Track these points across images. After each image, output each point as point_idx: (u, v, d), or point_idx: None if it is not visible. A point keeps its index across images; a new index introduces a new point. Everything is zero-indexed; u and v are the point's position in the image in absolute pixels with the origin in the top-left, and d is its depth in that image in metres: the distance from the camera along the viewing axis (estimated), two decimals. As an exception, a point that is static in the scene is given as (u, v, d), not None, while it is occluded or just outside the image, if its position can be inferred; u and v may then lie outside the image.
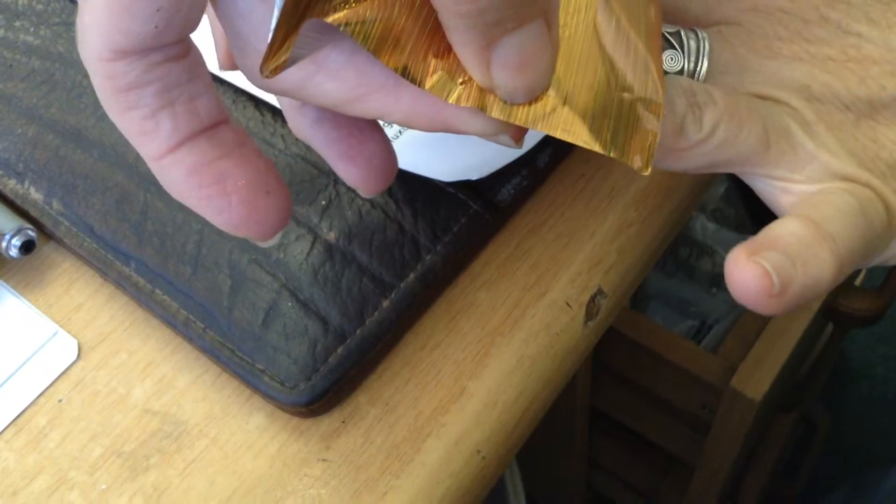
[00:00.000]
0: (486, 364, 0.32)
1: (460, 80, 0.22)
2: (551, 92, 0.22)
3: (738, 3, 0.27)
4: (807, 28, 0.27)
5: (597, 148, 0.22)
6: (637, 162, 0.22)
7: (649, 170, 0.22)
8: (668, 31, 0.26)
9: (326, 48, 0.22)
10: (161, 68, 0.22)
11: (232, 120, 0.24)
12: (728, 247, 0.85)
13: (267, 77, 0.21)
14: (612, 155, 0.22)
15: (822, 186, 0.25)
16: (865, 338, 1.25)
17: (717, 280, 0.81)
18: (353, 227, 0.34)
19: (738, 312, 0.79)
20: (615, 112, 0.23)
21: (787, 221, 0.24)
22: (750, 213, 0.86)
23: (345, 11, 0.20)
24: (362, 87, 0.22)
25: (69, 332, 0.33)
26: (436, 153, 0.35)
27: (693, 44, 0.27)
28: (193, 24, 0.22)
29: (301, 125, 0.27)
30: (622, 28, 0.23)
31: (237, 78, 0.37)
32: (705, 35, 0.27)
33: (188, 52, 0.22)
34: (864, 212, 0.25)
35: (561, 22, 0.23)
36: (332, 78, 0.22)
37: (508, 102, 0.22)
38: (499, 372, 0.32)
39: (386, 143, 0.27)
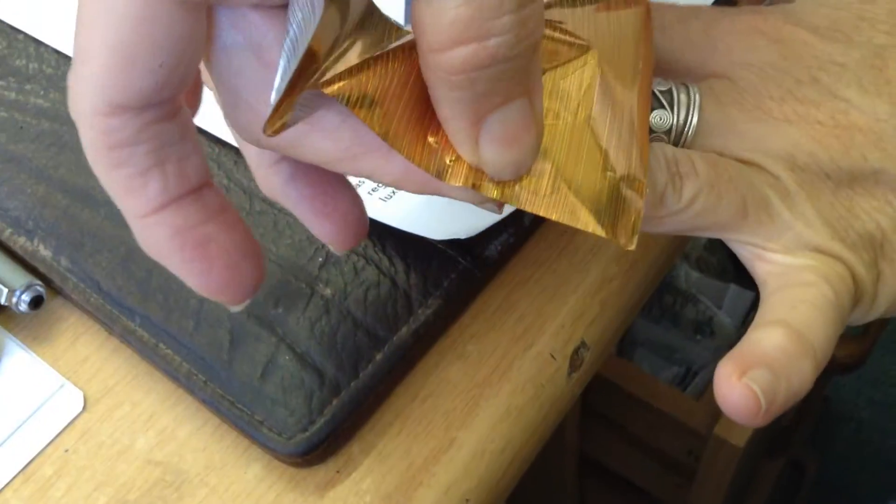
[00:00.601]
0: (475, 414, 0.33)
1: (449, 160, 0.23)
2: (538, 169, 0.23)
3: (731, 57, 0.27)
4: (798, 88, 0.27)
5: (583, 227, 0.23)
6: (622, 238, 0.24)
7: (633, 245, 0.24)
8: (660, 89, 0.27)
9: (323, 108, 0.23)
10: (155, 126, 0.22)
11: (214, 183, 0.24)
12: (711, 295, 0.87)
13: (269, 136, 0.22)
14: (597, 233, 0.23)
15: (795, 259, 0.26)
16: (852, 382, 1.26)
17: (700, 327, 0.83)
18: (348, 283, 0.36)
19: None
20: (603, 194, 0.24)
21: (773, 333, 0.25)
22: (733, 260, 0.88)
23: (343, 83, 0.21)
24: (356, 147, 0.23)
25: (75, 384, 0.34)
26: (428, 213, 0.37)
27: (684, 97, 0.27)
28: (190, 80, 0.22)
29: (273, 183, 0.27)
30: (615, 113, 0.24)
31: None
32: (696, 89, 0.27)
33: (179, 110, 0.22)
34: (837, 302, 0.26)
35: (557, 109, 0.24)
36: (326, 137, 0.23)
37: (497, 181, 0.23)
38: (487, 422, 0.33)
39: (358, 200, 0.28)
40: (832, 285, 0.26)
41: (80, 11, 0.21)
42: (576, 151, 0.24)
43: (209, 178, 0.24)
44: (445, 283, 0.36)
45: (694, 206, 0.26)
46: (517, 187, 0.23)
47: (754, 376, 0.23)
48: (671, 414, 0.70)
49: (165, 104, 0.22)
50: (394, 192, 0.37)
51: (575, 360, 0.36)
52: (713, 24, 0.28)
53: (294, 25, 0.21)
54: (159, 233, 0.23)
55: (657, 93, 0.27)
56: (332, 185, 0.27)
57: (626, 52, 0.26)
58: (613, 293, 0.38)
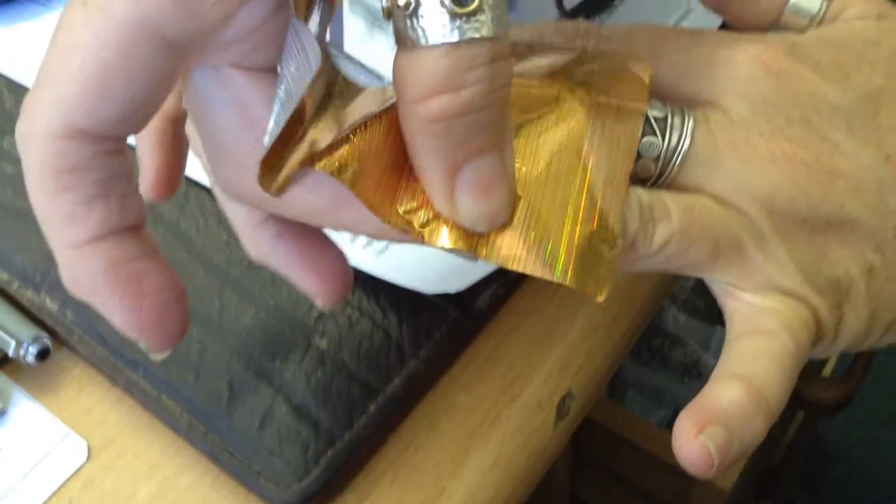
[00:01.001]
0: (464, 464, 0.35)
1: (424, 219, 0.24)
2: (511, 223, 0.24)
3: (727, 87, 0.27)
4: (788, 126, 0.27)
5: (554, 279, 0.24)
6: (591, 290, 0.25)
7: (603, 297, 0.25)
8: (656, 114, 0.27)
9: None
10: (106, 158, 0.22)
11: (147, 230, 0.24)
12: (698, 338, 0.89)
13: (273, 195, 0.23)
14: (568, 284, 0.24)
15: (763, 300, 0.27)
16: (841, 421, 1.27)
17: (688, 369, 0.84)
18: (343, 335, 0.37)
19: (712, 400, 0.81)
20: (575, 247, 0.25)
21: (732, 388, 0.26)
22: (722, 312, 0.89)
23: (326, 158, 0.23)
24: (339, 198, 0.24)
25: (80, 434, 0.36)
26: (419, 267, 0.38)
27: (678, 122, 0.27)
28: (149, 120, 0.23)
29: (259, 242, 0.28)
30: (592, 165, 0.26)
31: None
32: (691, 116, 0.27)
33: (125, 150, 0.23)
34: (797, 352, 0.26)
35: (530, 163, 0.25)
36: (310, 190, 0.24)
37: (472, 232, 0.24)
38: (477, 472, 0.35)
39: (342, 255, 0.29)
40: (793, 334, 0.27)
41: (57, 37, 0.22)
42: (548, 205, 0.25)
43: (145, 220, 0.24)
44: (437, 335, 0.37)
45: (664, 252, 0.26)
46: (489, 242, 0.24)
47: (711, 434, 0.25)
48: (660, 456, 0.71)
49: (119, 140, 0.22)
50: (387, 247, 0.39)
51: (562, 409, 0.38)
52: (714, 51, 0.28)
53: (287, 75, 0.22)
54: (93, 264, 0.23)
55: (651, 118, 0.27)
56: (317, 240, 0.28)
57: (612, 97, 0.27)
58: (598, 343, 0.39)
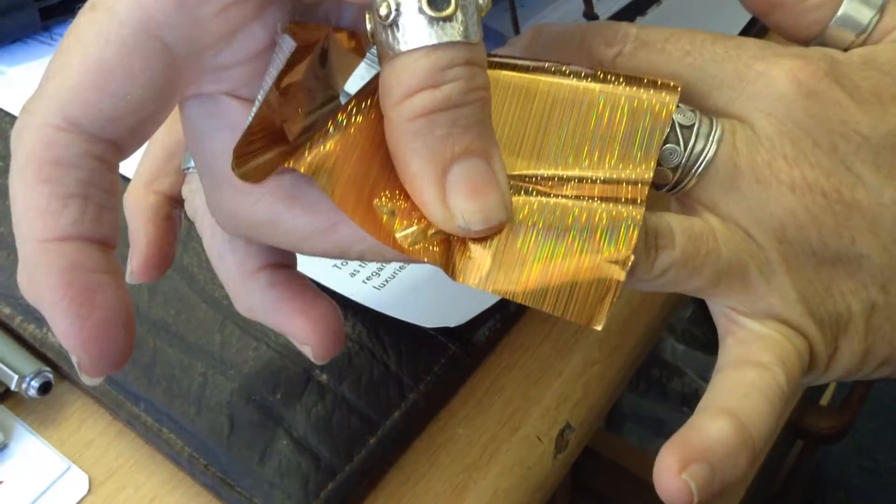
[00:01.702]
0: (464, 497, 0.35)
1: (409, 230, 0.24)
2: (504, 248, 0.24)
3: (758, 103, 0.27)
4: (814, 152, 0.26)
5: (549, 311, 0.24)
6: (588, 319, 0.24)
7: (601, 326, 0.24)
8: (683, 122, 0.26)
9: (304, 184, 0.24)
10: (94, 161, 0.22)
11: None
12: (696, 368, 0.89)
13: (240, 178, 0.23)
14: (565, 318, 0.24)
15: (761, 327, 0.27)
16: (840, 449, 1.27)
17: (687, 400, 0.85)
18: (343, 368, 0.37)
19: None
20: (581, 275, 0.24)
21: (719, 423, 0.25)
22: (717, 334, 0.90)
23: (308, 158, 0.23)
24: (334, 216, 0.24)
25: (81, 467, 0.36)
26: (419, 302, 0.39)
27: (705, 129, 0.26)
28: (140, 138, 0.23)
29: (251, 294, 0.28)
30: (604, 193, 0.25)
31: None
32: (719, 127, 0.26)
33: (116, 170, 0.23)
34: (787, 388, 0.26)
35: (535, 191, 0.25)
36: (307, 211, 0.24)
37: (467, 236, 0.24)
38: (476, 504, 0.35)
39: (335, 309, 0.28)
40: (786, 369, 0.27)
41: (63, 41, 0.23)
42: (553, 230, 0.24)
43: (118, 242, 0.24)
44: (436, 368, 0.37)
45: (664, 278, 0.26)
46: (476, 269, 0.24)
47: (693, 472, 0.24)
48: (659, 487, 0.70)
49: (110, 146, 0.23)
50: (387, 282, 0.39)
51: (560, 442, 0.38)
52: (750, 65, 0.27)
53: (267, 79, 0.23)
54: (53, 262, 0.22)
55: (677, 126, 0.26)
56: (309, 292, 0.28)
57: (635, 124, 0.26)
58: (596, 376, 0.40)
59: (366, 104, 0.24)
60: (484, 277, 0.24)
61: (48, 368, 0.37)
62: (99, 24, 0.22)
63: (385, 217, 0.24)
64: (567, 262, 0.24)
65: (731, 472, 0.25)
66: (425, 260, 0.24)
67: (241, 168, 0.23)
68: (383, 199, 0.24)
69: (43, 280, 0.22)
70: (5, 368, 0.37)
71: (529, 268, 0.24)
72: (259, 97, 0.23)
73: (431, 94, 0.22)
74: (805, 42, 0.29)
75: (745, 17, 0.52)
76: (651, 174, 0.26)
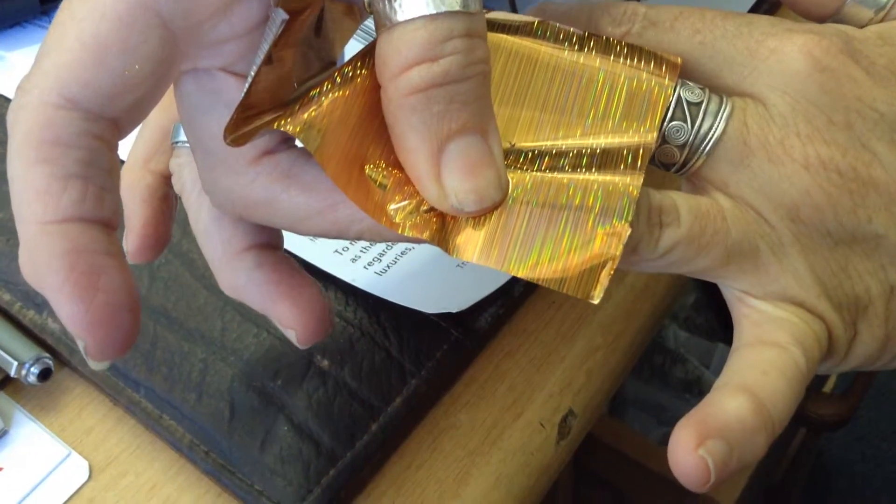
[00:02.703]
0: (466, 483, 0.35)
1: (401, 206, 0.23)
2: (499, 219, 0.24)
3: (771, 80, 0.26)
4: (829, 129, 0.25)
5: (544, 283, 0.23)
6: (584, 291, 0.23)
7: (598, 299, 0.23)
8: (690, 99, 0.26)
9: (301, 163, 0.24)
10: (94, 141, 0.22)
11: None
12: (699, 355, 0.89)
13: (230, 145, 0.22)
14: (564, 290, 0.23)
15: (776, 310, 0.26)
16: (843, 436, 1.27)
17: (689, 387, 0.84)
18: (344, 354, 0.37)
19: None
20: (573, 253, 0.24)
21: (737, 400, 0.25)
22: (720, 320, 0.90)
23: (294, 119, 0.22)
24: (333, 195, 0.24)
25: (81, 454, 0.36)
26: (420, 287, 0.38)
27: (713, 107, 0.26)
28: (138, 115, 0.23)
29: (236, 274, 0.27)
30: (601, 164, 0.24)
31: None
32: (729, 104, 0.26)
33: (116, 149, 0.23)
34: (806, 369, 0.25)
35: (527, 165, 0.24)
36: (303, 190, 0.24)
37: (461, 215, 0.23)
38: (479, 491, 0.35)
39: (321, 294, 0.28)
40: (805, 350, 0.26)
41: (57, 18, 0.22)
42: (549, 206, 0.24)
43: (118, 223, 0.23)
44: (438, 354, 0.37)
45: (669, 257, 0.25)
46: (474, 244, 0.24)
47: (710, 448, 0.24)
48: (662, 473, 0.71)
49: (110, 125, 0.22)
50: (388, 267, 0.39)
51: (563, 428, 0.38)
52: (762, 41, 0.26)
53: (259, 53, 0.23)
54: (54, 245, 0.21)
55: (685, 102, 0.26)
56: (295, 274, 0.28)
57: (639, 70, 0.26)
58: (599, 362, 0.39)
59: (362, 67, 0.24)
60: (479, 252, 0.24)
61: (48, 355, 0.37)
62: None
63: (377, 189, 0.23)
64: (564, 236, 0.24)
65: (748, 452, 0.24)
66: (420, 236, 0.23)
67: (231, 133, 0.23)
68: (376, 168, 0.24)
69: (45, 263, 0.21)
70: (5, 355, 0.37)
71: (526, 242, 0.24)
72: (251, 72, 0.23)
73: (429, 67, 0.22)
74: (821, 19, 0.28)
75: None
76: (653, 136, 0.25)
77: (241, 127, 0.23)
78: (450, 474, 0.35)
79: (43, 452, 0.36)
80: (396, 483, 0.35)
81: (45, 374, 0.37)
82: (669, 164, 0.26)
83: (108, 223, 0.23)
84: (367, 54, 0.24)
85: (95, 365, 0.23)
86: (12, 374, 0.36)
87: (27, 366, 0.36)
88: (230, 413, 0.35)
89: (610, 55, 0.26)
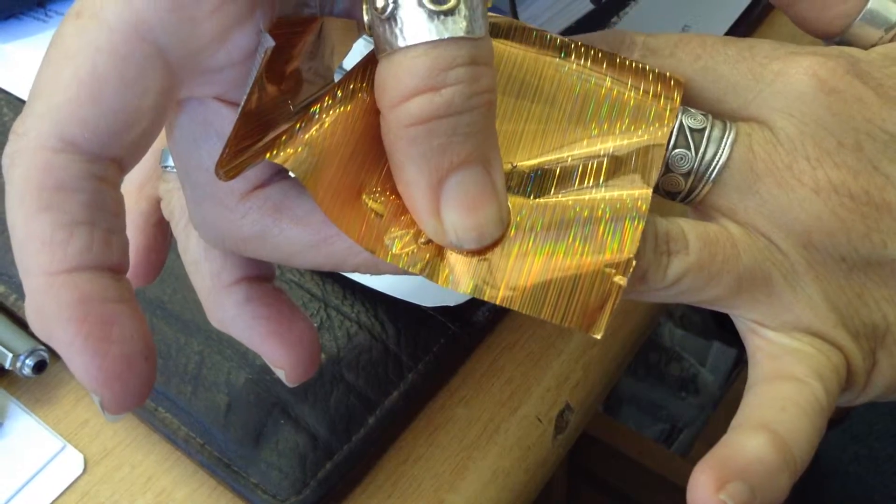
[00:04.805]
0: (463, 477, 0.35)
1: (398, 238, 0.22)
2: (500, 252, 0.23)
3: (776, 103, 0.25)
4: (839, 151, 0.24)
5: (546, 318, 0.22)
6: (587, 326, 0.23)
7: (600, 334, 0.23)
8: (693, 126, 0.25)
9: (293, 195, 0.23)
10: (97, 183, 0.21)
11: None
12: (695, 353, 0.89)
13: (222, 179, 0.21)
14: (564, 324, 0.23)
15: (791, 341, 0.25)
16: (837, 437, 1.27)
17: (685, 384, 0.84)
18: (341, 348, 0.37)
19: (707, 416, 0.82)
20: (580, 280, 0.23)
21: (757, 440, 0.24)
22: (715, 318, 0.90)
23: (289, 150, 0.21)
24: (327, 229, 0.23)
25: (76, 446, 0.36)
26: (418, 281, 0.38)
27: (717, 133, 0.25)
28: (140, 150, 0.22)
29: (225, 307, 0.27)
30: (607, 191, 0.24)
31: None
32: (733, 130, 0.25)
33: (118, 187, 0.22)
34: (827, 402, 0.24)
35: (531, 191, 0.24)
36: (296, 223, 0.23)
37: (460, 251, 0.22)
38: (475, 485, 0.35)
39: (312, 328, 0.27)
40: (824, 382, 0.25)
41: (49, 53, 0.21)
42: (552, 233, 0.23)
43: (128, 265, 0.22)
44: (435, 348, 0.37)
45: (678, 286, 0.24)
46: (473, 276, 0.23)
47: (731, 492, 0.22)
48: (657, 471, 0.70)
49: (111, 164, 0.21)
50: (386, 261, 0.39)
51: (560, 423, 0.38)
52: (766, 64, 0.26)
53: (249, 81, 0.22)
54: (63, 297, 0.20)
55: (687, 130, 0.25)
56: (285, 310, 0.27)
57: (638, 92, 0.25)
58: (596, 358, 0.39)
59: (362, 80, 0.23)
60: (479, 285, 0.23)
61: (43, 347, 0.37)
62: (87, 32, 0.20)
63: (374, 218, 0.23)
64: (565, 270, 0.23)
65: (771, 493, 0.23)
66: (418, 272, 0.23)
67: (223, 167, 0.22)
68: (373, 194, 0.23)
69: (54, 316, 0.20)
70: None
71: (526, 275, 0.23)
72: (241, 105, 0.21)
73: (431, 98, 0.21)
74: (829, 37, 0.28)
75: (741, 6, 0.51)
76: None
77: (233, 160, 0.22)
78: (446, 468, 0.35)
79: (38, 445, 0.36)
80: (393, 477, 0.35)
81: (40, 367, 0.36)
82: (675, 192, 0.26)
83: (117, 267, 0.22)
84: (368, 67, 0.23)
85: (112, 418, 0.22)
86: (7, 366, 0.36)
87: (22, 358, 0.36)
88: (226, 406, 0.35)
89: (615, 64, 0.26)
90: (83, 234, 0.20)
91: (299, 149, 0.22)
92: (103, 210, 0.21)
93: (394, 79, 0.21)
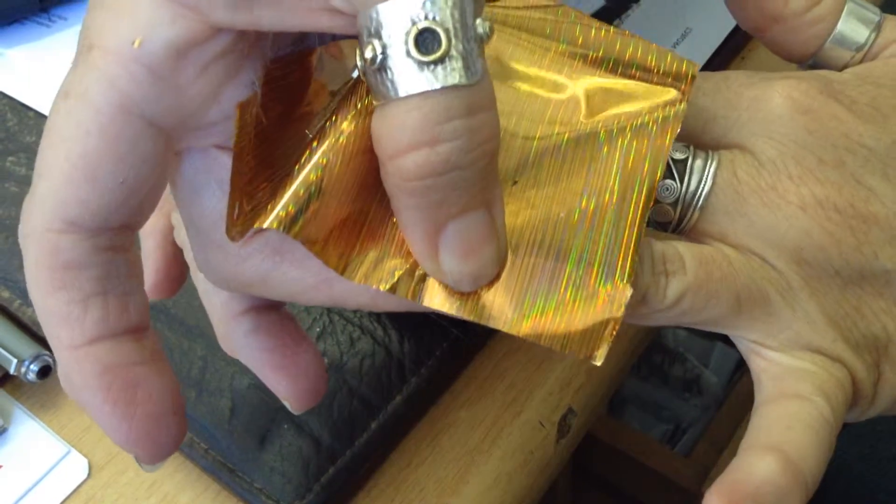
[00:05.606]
0: (466, 481, 0.35)
1: (398, 273, 0.22)
2: (502, 284, 0.23)
3: (755, 128, 0.26)
4: (820, 168, 0.25)
5: (546, 345, 0.23)
6: (587, 352, 0.22)
7: (600, 361, 0.22)
8: (676, 157, 0.25)
9: (292, 239, 0.23)
10: (105, 254, 0.21)
11: (153, 330, 0.23)
12: (698, 353, 0.89)
13: (233, 240, 0.22)
14: (561, 351, 0.23)
15: (793, 360, 0.25)
16: (841, 438, 1.26)
17: (688, 385, 0.84)
18: (344, 352, 0.37)
19: (710, 417, 0.82)
20: (577, 305, 0.23)
21: (766, 462, 0.24)
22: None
23: (279, 210, 0.21)
24: (327, 272, 0.23)
25: (80, 451, 0.36)
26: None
27: (699, 164, 0.25)
28: (148, 210, 0.22)
29: (234, 336, 0.27)
30: (598, 219, 0.24)
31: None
32: (715, 158, 0.25)
33: (132, 246, 0.22)
34: (833, 419, 0.25)
35: (528, 212, 0.23)
36: (297, 266, 0.23)
37: (456, 290, 0.23)
38: (478, 489, 0.35)
39: (318, 356, 0.28)
40: (829, 399, 0.25)
41: (47, 131, 0.21)
42: (550, 259, 0.23)
43: (149, 321, 0.23)
44: (438, 353, 0.37)
45: (679, 306, 0.24)
46: (475, 303, 0.23)
47: None
48: (660, 472, 0.71)
49: (118, 234, 0.22)
50: (388, 265, 0.39)
51: (563, 427, 0.38)
52: (741, 93, 0.26)
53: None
54: (88, 368, 0.21)
55: (670, 161, 0.25)
56: (292, 339, 0.27)
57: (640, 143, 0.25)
58: (599, 361, 0.39)
59: (360, 100, 0.22)
60: (480, 313, 0.23)
61: (47, 352, 0.37)
62: (76, 114, 0.21)
63: (372, 257, 0.23)
64: (566, 294, 0.23)
65: None
66: (420, 303, 0.23)
67: (231, 230, 0.22)
68: (371, 233, 0.23)
69: (81, 385, 0.22)
70: (4, 352, 0.37)
71: (528, 303, 0.23)
72: (231, 169, 0.22)
73: (427, 155, 0.20)
74: (802, 60, 0.29)
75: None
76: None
77: (239, 218, 0.22)
78: (449, 473, 0.35)
79: (42, 450, 0.36)
80: (396, 481, 0.35)
81: (44, 372, 0.37)
82: (666, 222, 0.26)
83: (137, 329, 0.22)
84: (346, 106, 0.22)
85: (148, 468, 0.23)
86: (12, 371, 0.36)
87: (27, 363, 0.36)
88: (230, 411, 0.35)
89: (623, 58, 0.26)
90: (98, 307, 0.21)
91: (290, 207, 0.21)
92: (116, 277, 0.22)
93: (388, 132, 0.20)
